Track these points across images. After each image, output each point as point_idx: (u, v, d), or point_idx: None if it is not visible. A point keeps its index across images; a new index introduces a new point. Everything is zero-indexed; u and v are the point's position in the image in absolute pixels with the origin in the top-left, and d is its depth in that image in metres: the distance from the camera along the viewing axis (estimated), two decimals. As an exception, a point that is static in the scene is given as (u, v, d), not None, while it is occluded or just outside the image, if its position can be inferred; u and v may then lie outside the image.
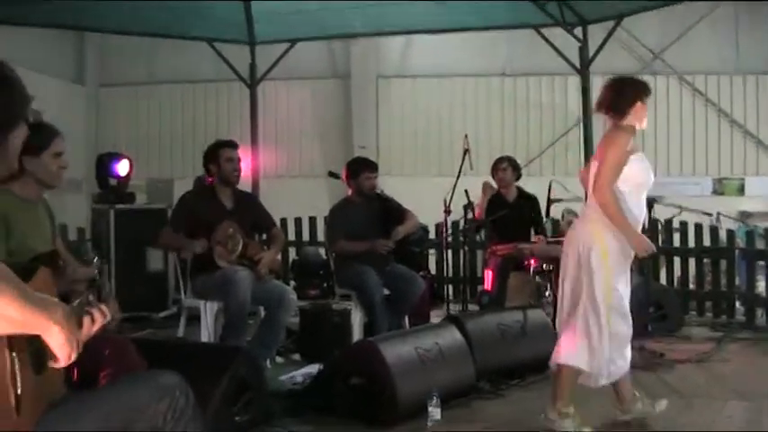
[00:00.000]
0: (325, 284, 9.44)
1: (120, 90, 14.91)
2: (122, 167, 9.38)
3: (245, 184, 9.48)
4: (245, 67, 10.60)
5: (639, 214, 4.64)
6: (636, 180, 4.59)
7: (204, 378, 4.27)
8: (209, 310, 6.16)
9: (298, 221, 10.95)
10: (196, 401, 2.49)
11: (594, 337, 4.55)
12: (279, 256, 6.87)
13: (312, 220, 10.56)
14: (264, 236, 6.85)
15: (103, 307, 2.50)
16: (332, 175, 7.69)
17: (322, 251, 9.65)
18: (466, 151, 7.64)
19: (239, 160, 6.49)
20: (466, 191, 7.80)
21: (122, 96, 14.92)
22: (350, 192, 7.31)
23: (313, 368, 5.85)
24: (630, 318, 4.70)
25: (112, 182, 9.29)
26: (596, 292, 4.51)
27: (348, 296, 7.20)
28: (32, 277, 2.25)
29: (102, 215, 9.16)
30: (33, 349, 2.09)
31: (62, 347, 2.06)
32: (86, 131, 14.51)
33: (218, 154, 6.37)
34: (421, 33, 11.74)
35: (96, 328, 2.48)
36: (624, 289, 4.65)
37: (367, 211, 7.20)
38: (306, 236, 10.78)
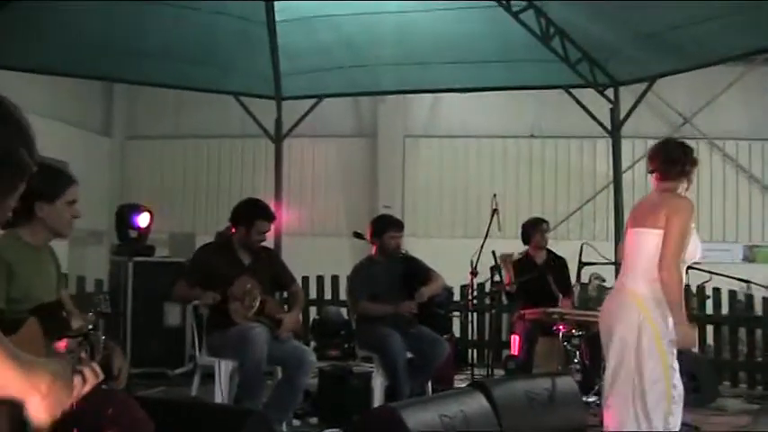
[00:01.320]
0: (346, 345, 9.24)
1: (146, 143, 14.89)
2: (143, 219, 9.19)
3: (267, 240, 9.37)
4: (272, 123, 10.50)
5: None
6: (689, 255, 4.36)
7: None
8: (223, 369, 5.94)
9: (319, 280, 10.79)
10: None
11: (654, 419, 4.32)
12: (300, 317, 6.66)
13: (334, 278, 10.37)
14: (285, 293, 6.65)
15: (96, 366, 2.30)
16: (357, 235, 7.48)
17: (344, 311, 9.46)
18: (494, 211, 7.45)
19: (268, 230, 6.32)
20: (493, 252, 7.57)
21: (148, 149, 14.88)
22: (373, 250, 7.11)
23: (332, 433, 5.62)
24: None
25: (132, 234, 9.11)
26: (654, 373, 4.28)
27: (370, 358, 6.97)
28: (19, 329, 2.05)
29: (121, 267, 8.99)
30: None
31: (40, 418, 1.86)
32: (111, 183, 14.46)
33: (254, 223, 6.18)
34: (449, 92, 11.61)
35: (88, 388, 2.27)
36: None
37: (390, 272, 6.99)
38: (327, 294, 10.59)
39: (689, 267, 4.58)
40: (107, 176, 14.51)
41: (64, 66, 9.61)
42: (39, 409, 1.83)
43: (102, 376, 2.31)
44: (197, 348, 6.35)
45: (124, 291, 8.90)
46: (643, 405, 4.32)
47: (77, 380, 2.24)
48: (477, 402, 5.24)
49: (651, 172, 4.51)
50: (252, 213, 6.23)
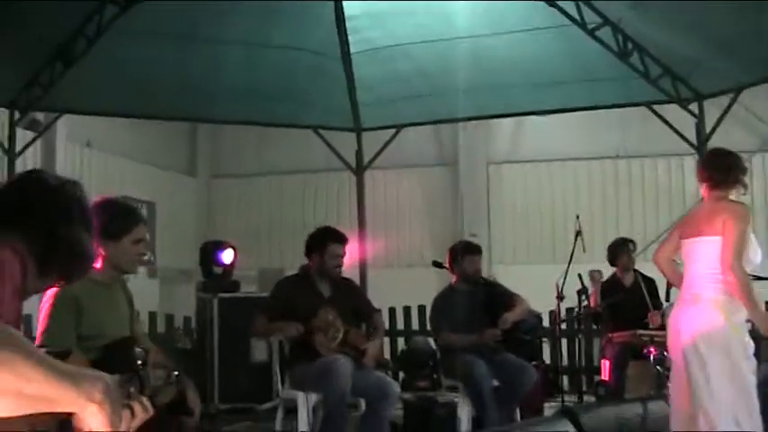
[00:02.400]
0: (434, 376, 9.11)
1: (231, 181, 15.05)
2: (227, 256, 9.29)
3: (352, 273, 9.35)
4: (353, 155, 10.51)
5: None
6: (749, 260, 4.36)
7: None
8: (307, 402, 5.88)
9: (406, 310, 10.74)
10: None
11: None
12: (382, 346, 6.58)
13: (421, 308, 10.29)
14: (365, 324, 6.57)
15: (145, 400, 2.26)
16: (436, 264, 7.36)
17: (432, 341, 9.37)
18: (578, 233, 7.28)
19: (344, 255, 6.27)
20: (579, 275, 7.39)
21: (233, 187, 15.04)
22: (454, 279, 7.01)
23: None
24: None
25: (217, 270, 9.20)
26: (742, 369, 4.28)
27: (456, 388, 6.85)
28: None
29: (207, 304, 9.07)
30: None
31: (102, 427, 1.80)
32: (198, 222, 14.66)
33: (326, 247, 6.13)
34: (530, 115, 11.44)
35: (137, 422, 2.23)
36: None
37: (472, 299, 6.86)
38: (415, 325, 10.52)
39: (755, 278, 4.54)
40: (193, 216, 14.74)
41: (147, 108, 9.83)
42: (97, 421, 1.77)
43: (151, 411, 2.28)
44: (280, 382, 6.31)
45: (210, 327, 8.99)
46: (746, 404, 4.28)
47: (126, 414, 2.21)
48: (565, 430, 5.06)
49: (702, 182, 4.53)
50: (323, 238, 6.19)
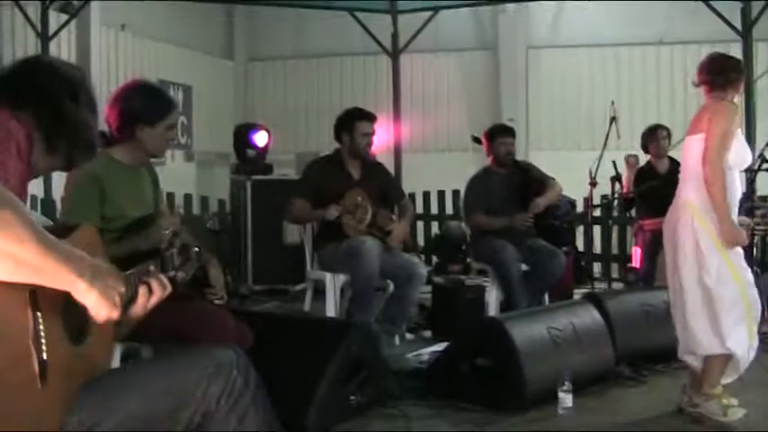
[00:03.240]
0: (467, 260, 9.13)
1: (268, 64, 14.94)
2: (260, 138, 9.28)
3: (387, 157, 9.33)
4: (389, 38, 10.35)
5: (736, 193, 4.36)
6: (735, 158, 4.31)
7: (314, 355, 4.06)
8: (335, 283, 5.93)
9: (441, 195, 10.73)
10: (261, 382, 2.18)
11: (737, 323, 4.25)
12: (409, 229, 6.58)
13: (455, 193, 10.24)
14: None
15: (164, 278, 2.27)
16: (475, 140, 7.29)
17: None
18: (612, 119, 7.15)
19: (374, 134, 6.23)
20: (614, 162, 7.29)
21: (270, 70, 14.93)
22: (490, 161, 6.94)
23: (442, 347, 5.53)
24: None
25: (250, 153, 9.20)
26: (721, 273, 4.23)
27: (485, 271, 6.87)
28: (70, 235, 2.01)
29: (240, 186, 9.11)
30: (71, 316, 1.83)
31: (97, 305, 1.82)
32: (235, 106, 14.63)
33: (355, 126, 6.12)
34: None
35: (155, 299, 2.25)
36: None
37: (507, 182, 6.79)
38: (449, 209, 10.51)
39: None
40: (231, 99, 14.70)
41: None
42: (91, 298, 1.80)
43: (169, 289, 2.29)
44: (308, 263, 6.36)
45: (243, 209, 9.05)
46: (715, 315, 4.24)
47: (143, 290, 2.23)
48: (589, 315, 5.06)
49: (697, 85, 4.53)
50: (351, 118, 6.17)
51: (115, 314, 1.87)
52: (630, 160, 7.91)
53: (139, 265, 2.31)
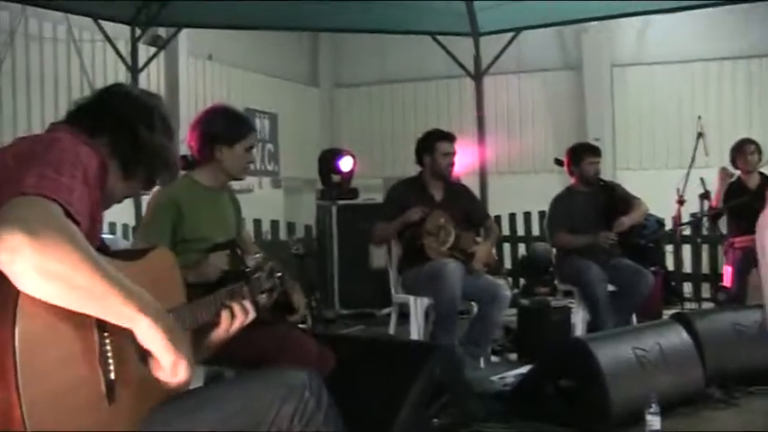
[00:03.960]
0: (555, 282, 9.06)
1: (353, 90, 15.10)
2: (345, 163, 9.38)
3: (473, 179, 9.32)
4: (472, 61, 10.35)
5: None
6: None
7: (396, 377, 4.06)
8: (418, 306, 5.95)
9: (527, 216, 10.67)
10: (333, 403, 2.20)
11: None
12: (494, 250, 6.56)
13: (542, 214, 10.08)
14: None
15: (247, 303, 2.32)
16: (557, 162, 7.25)
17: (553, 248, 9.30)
18: (699, 135, 7.02)
19: (454, 154, 6.25)
20: (702, 179, 7.14)
21: (354, 96, 15.10)
22: (573, 181, 6.88)
23: (527, 369, 5.49)
24: None
25: (335, 178, 9.30)
26: None
27: (571, 293, 6.80)
28: (144, 256, 2.05)
29: (326, 211, 9.21)
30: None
31: (163, 349, 1.81)
32: (320, 132, 14.80)
33: (435, 147, 6.16)
34: (660, 13, 10.95)
35: (237, 326, 2.29)
36: None
37: (591, 201, 6.73)
38: (535, 231, 10.44)
39: None
40: (317, 126, 14.89)
41: (267, 20, 9.88)
42: (155, 339, 1.80)
43: (252, 314, 2.34)
44: (392, 287, 6.39)
45: (329, 234, 9.14)
46: None
47: (226, 315, 2.28)
48: (677, 335, 4.96)
49: None
50: (430, 138, 6.22)
51: (185, 374, 1.89)
52: (724, 173, 7.70)
53: (223, 289, 2.36)
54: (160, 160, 2.30)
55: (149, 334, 1.79)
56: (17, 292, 1.61)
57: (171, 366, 1.85)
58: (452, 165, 6.24)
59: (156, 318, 1.79)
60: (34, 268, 1.60)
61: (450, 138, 6.23)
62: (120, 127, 2.21)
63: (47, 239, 1.61)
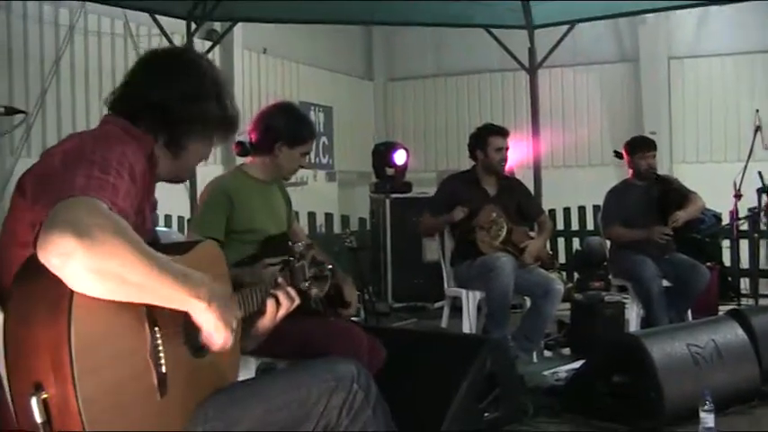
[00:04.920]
0: (609, 276, 8.99)
1: (407, 84, 15.09)
2: (399, 157, 9.41)
3: (527, 173, 9.29)
4: (526, 54, 10.29)
5: None
6: None
7: (448, 371, 4.07)
8: (471, 299, 5.94)
9: (581, 210, 10.58)
10: (381, 396, 2.22)
11: None
12: (547, 245, 6.53)
13: (596, 208, 10.06)
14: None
15: (292, 291, 2.34)
16: (616, 154, 7.18)
17: (608, 241, 9.23)
18: (757, 128, 6.92)
19: (507, 149, 6.23)
20: (759, 173, 7.03)
21: (409, 90, 15.08)
22: (630, 174, 6.82)
23: (579, 364, 5.46)
24: None
25: (389, 171, 9.34)
26: None
27: (625, 288, 6.74)
28: (191, 250, 2.07)
29: (379, 205, 9.23)
30: (193, 329, 1.90)
31: (214, 330, 1.85)
32: (375, 125, 14.83)
33: (488, 141, 6.14)
34: (718, 4, 10.80)
35: (282, 313, 2.32)
36: None
37: (645, 195, 6.65)
38: (590, 225, 10.36)
39: None
40: (372, 119, 14.92)
41: (321, 13, 9.92)
42: (208, 320, 1.84)
43: (297, 301, 2.36)
44: (445, 280, 6.39)
45: (383, 228, 9.17)
46: None
47: (271, 303, 2.30)
48: (733, 332, 4.89)
49: None
50: (483, 133, 6.19)
51: (230, 340, 1.91)
52: None
53: (267, 278, 2.39)
54: (206, 125, 2.28)
55: (204, 317, 1.84)
56: (71, 290, 1.64)
57: (222, 343, 1.90)
58: (505, 160, 6.21)
59: (209, 299, 1.83)
60: (87, 269, 1.62)
61: (503, 132, 6.20)
62: (149, 109, 2.20)
63: (97, 239, 1.63)
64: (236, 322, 1.93)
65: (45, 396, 1.62)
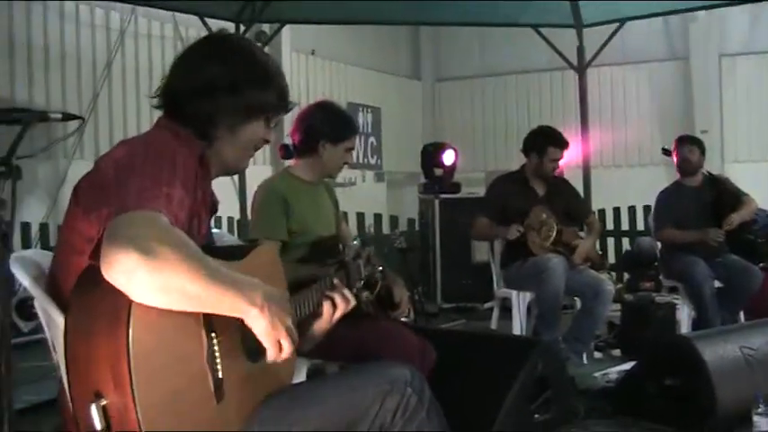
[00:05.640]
0: (660, 276, 8.92)
1: (455, 84, 15.06)
2: (448, 157, 9.42)
3: (576, 173, 9.25)
4: (575, 53, 10.24)
5: None
6: None
7: (498, 372, 4.06)
8: (521, 300, 5.94)
9: (631, 210, 10.52)
10: (434, 399, 2.23)
11: None
12: (597, 246, 6.50)
13: (647, 208, 9.99)
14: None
15: (347, 292, 2.37)
16: (665, 151, 7.11)
17: (659, 243, 9.17)
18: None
19: (562, 158, 6.21)
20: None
21: (457, 89, 15.06)
22: (678, 175, 6.77)
23: (630, 366, 5.42)
24: None
25: (438, 172, 9.35)
26: None
27: (676, 289, 6.69)
28: (249, 254, 2.10)
29: (428, 205, 9.25)
30: (249, 335, 1.93)
31: (266, 335, 1.87)
32: (423, 126, 14.83)
33: (546, 150, 6.08)
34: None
35: (338, 315, 2.34)
36: None
37: (698, 197, 6.59)
38: (640, 225, 10.29)
39: None
40: (420, 120, 14.93)
41: (368, 14, 9.98)
42: (260, 325, 1.86)
43: (353, 302, 2.38)
44: (494, 281, 6.39)
45: (432, 228, 9.18)
46: None
47: (327, 305, 2.33)
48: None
49: None
50: (543, 140, 6.13)
51: (287, 346, 1.91)
52: None
53: (324, 279, 2.40)
54: (243, 113, 2.25)
55: (257, 322, 1.86)
56: (130, 301, 1.68)
57: (275, 348, 1.91)
58: (556, 169, 6.20)
59: (261, 304, 1.85)
60: (150, 286, 1.67)
61: (562, 145, 6.15)
62: (181, 108, 2.20)
63: (158, 255, 1.67)
64: (291, 325, 1.95)
65: (104, 403, 1.66)
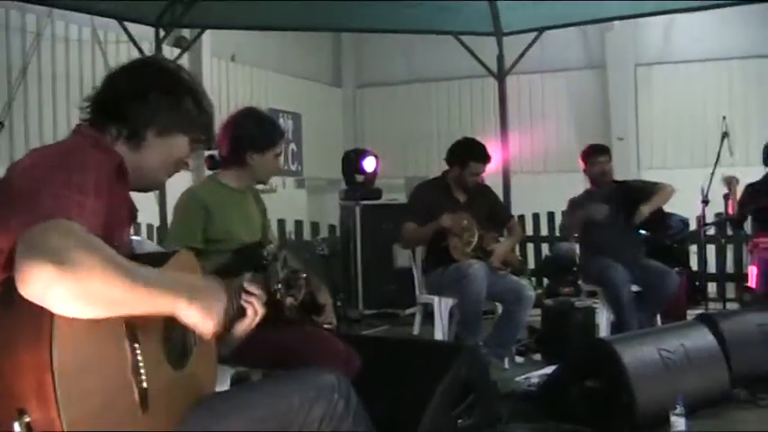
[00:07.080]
0: (579, 282, 9.05)
1: (376, 90, 15.10)
2: (369, 164, 9.42)
3: (496, 179, 9.32)
4: (495, 60, 10.33)
5: None
6: None
7: (422, 378, 4.07)
8: (443, 306, 5.96)
9: (551, 216, 10.65)
10: (361, 404, 2.22)
11: None
12: (517, 251, 6.57)
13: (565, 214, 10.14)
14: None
15: (262, 294, 2.34)
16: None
17: (577, 247, 9.29)
18: (724, 135, 7.00)
19: (484, 171, 6.26)
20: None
21: (378, 96, 15.09)
22: (590, 183, 6.89)
23: (551, 369, 5.49)
24: None
25: (359, 178, 9.34)
26: None
27: (595, 293, 6.80)
28: (167, 261, 2.07)
29: (349, 211, 9.23)
30: (170, 340, 1.90)
31: (200, 321, 1.86)
32: (344, 132, 14.83)
33: (468, 164, 6.11)
34: (684, 12, 10.87)
35: (257, 318, 2.31)
36: None
37: (607, 201, 6.70)
38: (559, 231, 10.41)
39: None
40: (341, 126, 14.92)
41: (289, 20, 9.92)
42: (192, 315, 1.85)
43: (261, 311, 2.35)
44: (416, 287, 6.41)
45: (353, 234, 9.17)
46: None
47: (250, 310, 2.30)
48: (702, 336, 4.94)
49: None
50: (466, 154, 6.16)
51: (218, 326, 1.93)
52: (731, 181, 7.53)
53: (240, 281, 2.36)
54: (178, 117, 2.26)
55: (187, 313, 1.84)
56: (52, 314, 1.62)
57: (210, 330, 1.92)
58: (477, 181, 6.25)
59: (188, 296, 1.84)
60: (70, 296, 1.61)
61: (485, 159, 6.19)
62: (105, 112, 2.18)
63: (74, 263, 1.61)
64: (224, 309, 1.95)
65: (28, 420, 1.60)
